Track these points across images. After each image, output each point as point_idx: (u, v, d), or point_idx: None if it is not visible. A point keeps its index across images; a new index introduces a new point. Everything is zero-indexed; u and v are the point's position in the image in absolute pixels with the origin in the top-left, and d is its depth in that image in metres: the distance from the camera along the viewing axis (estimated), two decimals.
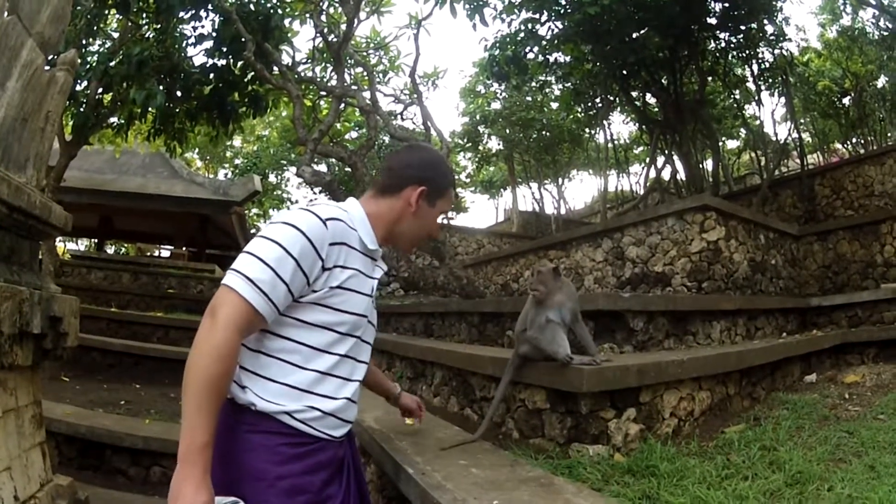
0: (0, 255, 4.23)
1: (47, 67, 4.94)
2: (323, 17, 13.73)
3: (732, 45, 14.69)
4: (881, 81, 18.91)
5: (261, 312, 1.95)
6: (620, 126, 27.78)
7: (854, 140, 20.81)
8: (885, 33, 14.97)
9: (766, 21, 13.82)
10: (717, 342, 6.10)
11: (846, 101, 19.34)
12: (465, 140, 25.07)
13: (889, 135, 19.52)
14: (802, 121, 21.52)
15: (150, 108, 11.65)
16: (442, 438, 4.19)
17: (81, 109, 12.77)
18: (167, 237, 26.60)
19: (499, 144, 25.24)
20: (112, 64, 11.60)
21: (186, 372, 1.86)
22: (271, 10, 12.18)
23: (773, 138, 17.46)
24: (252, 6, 12.04)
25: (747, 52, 14.81)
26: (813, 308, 8.31)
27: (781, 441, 3.88)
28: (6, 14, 4.49)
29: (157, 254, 31.56)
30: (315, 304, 2.12)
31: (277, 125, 29.93)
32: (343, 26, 12.87)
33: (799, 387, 5.94)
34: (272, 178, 33.17)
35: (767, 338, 7.04)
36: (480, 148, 26.06)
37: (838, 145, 22.14)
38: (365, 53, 16.04)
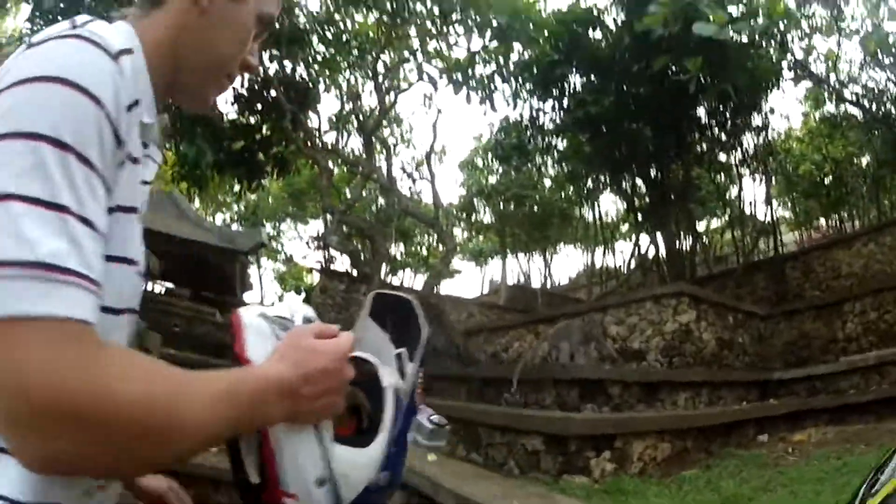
0: None
1: None
2: (345, 86, 15.11)
3: (718, 137, 15.75)
4: (865, 160, 19.39)
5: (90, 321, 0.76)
6: (609, 204, 28.37)
7: (837, 217, 21.35)
8: (868, 117, 15.32)
9: (752, 112, 14.89)
10: (682, 408, 7.21)
11: (828, 180, 19.80)
12: (461, 211, 26.39)
13: (871, 213, 19.57)
14: (786, 200, 22.53)
15: (199, 166, 12.50)
16: (458, 471, 5.29)
17: None
18: (166, 275, 27.17)
19: (492, 217, 26.36)
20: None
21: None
22: (310, 84, 13.42)
23: (753, 221, 18.31)
24: (290, 74, 13.30)
25: (732, 140, 15.79)
26: (774, 381, 9.03)
27: (724, 478, 5.00)
28: None
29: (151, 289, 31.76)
30: None
31: (279, 180, 30.60)
32: (363, 98, 14.25)
33: (751, 445, 6.80)
34: (269, 229, 33.26)
35: (729, 406, 8.00)
36: (474, 219, 27.27)
37: (822, 221, 22.30)
38: (381, 128, 17.29)
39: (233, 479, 1.00)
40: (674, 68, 10.72)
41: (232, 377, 0.88)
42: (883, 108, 14.36)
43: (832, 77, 13.37)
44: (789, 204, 23.20)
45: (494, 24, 10.93)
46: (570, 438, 4.96)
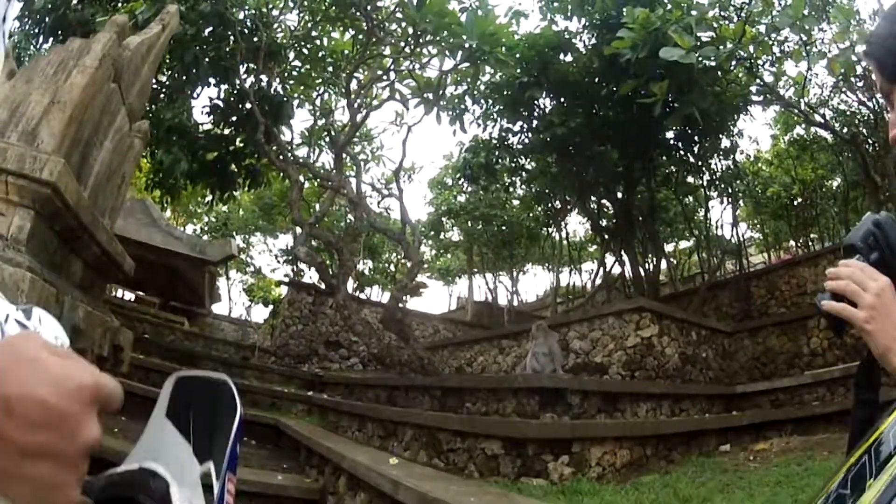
0: (84, 288, 5.30)
1: None
2: (318, 102, 15.30)
3: (686, 159, 16.04)
4: (836, 182, 19.64)
5: None
6: (576, 224, 28.45)
7: (807, 238, 21.44)
8: (838, 140, 15.33)
9: (720, 135, 15.09)
10: (643, 419, 7.39)
11: (797, 202, 20.19)
12: (430, 229, 26.40)
13: (841, 232, 19.02)
14: (755, 221, 23.02)
15: (174, 172, 12.49)
16: (419, 474, 5.42)
17: None
18: (137, 282, 26.97)
19: (460, 236, 26.74)
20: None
21: None
22: (285, 99, 13.53)
23: (721, 241, 18.43)
24: (265, 87, 13.42)
25: (699, 163, 16.03)
26: (738, 394, 9.19)
27: (682, 481, 5.16)
28: (112, 82, 5.49)
29: (118, 294, 31.43)
30: None
31: (250, 192, 30.67)
32: (337, 113, 14.40)
33: (714, 454, 6.92)
34: (239, 242, 33.08)
35: (691, 417, 8.14)
36: (442, 237, 27.49)
37: (791, 242, 22.38)
38: (352, 144, 17.46)
39: None
40: (641, 92, 10.96)
41: None
42: (853, 130, 14.51)
43: (802, 100, 13.56)
44: (758, 225, 23.67)
45: (466, 46, 11.11)
46: (528, 442, 5.11)
